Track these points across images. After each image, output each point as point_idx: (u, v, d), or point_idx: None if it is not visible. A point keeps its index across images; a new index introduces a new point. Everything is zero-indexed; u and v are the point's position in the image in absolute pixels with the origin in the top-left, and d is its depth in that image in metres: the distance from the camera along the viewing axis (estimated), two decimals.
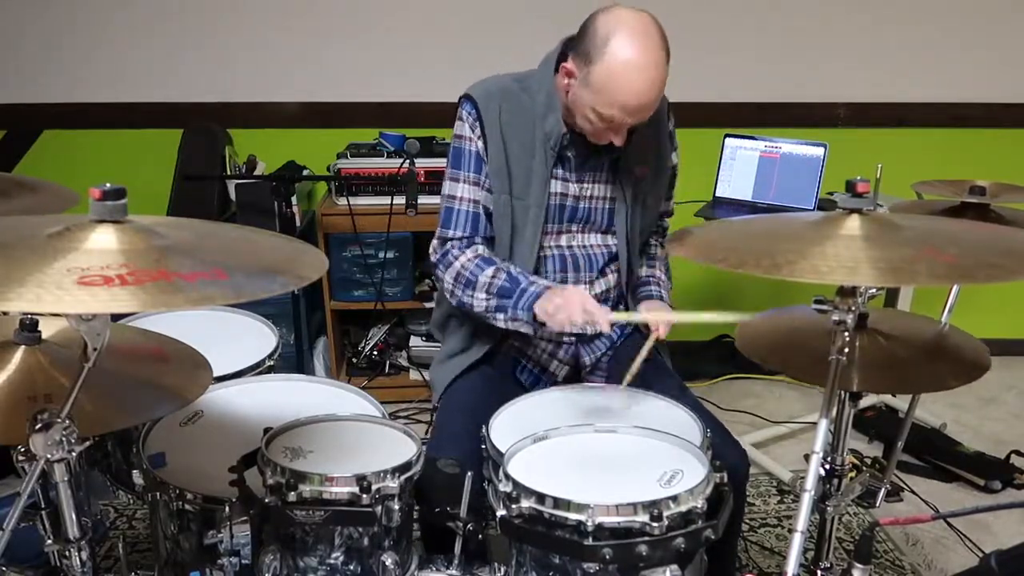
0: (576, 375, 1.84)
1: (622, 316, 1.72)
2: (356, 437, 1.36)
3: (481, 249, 1.73)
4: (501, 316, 1.67)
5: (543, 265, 1.77)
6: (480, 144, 1.71)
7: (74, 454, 1.05)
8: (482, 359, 1.78)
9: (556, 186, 1.73)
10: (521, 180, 1.71)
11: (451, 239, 1.74)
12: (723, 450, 1.45)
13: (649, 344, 1.70)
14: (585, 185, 1.75)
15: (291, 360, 2.72)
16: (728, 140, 2.76)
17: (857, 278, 1.05)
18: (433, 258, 1.77)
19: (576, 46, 1.59)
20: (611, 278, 1.82)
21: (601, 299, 1.81)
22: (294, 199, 2.82)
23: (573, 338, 1.80)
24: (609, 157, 1.73)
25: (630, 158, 1.75)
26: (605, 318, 1.55)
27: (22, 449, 1.06)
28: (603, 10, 1.56)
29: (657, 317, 1.66)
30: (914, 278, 1.07)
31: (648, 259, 1.94)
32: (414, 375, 3.10)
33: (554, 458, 1.32)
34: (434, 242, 1.78)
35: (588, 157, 1.73)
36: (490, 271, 1.68)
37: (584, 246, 1.79)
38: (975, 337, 1.45)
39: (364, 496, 1.19)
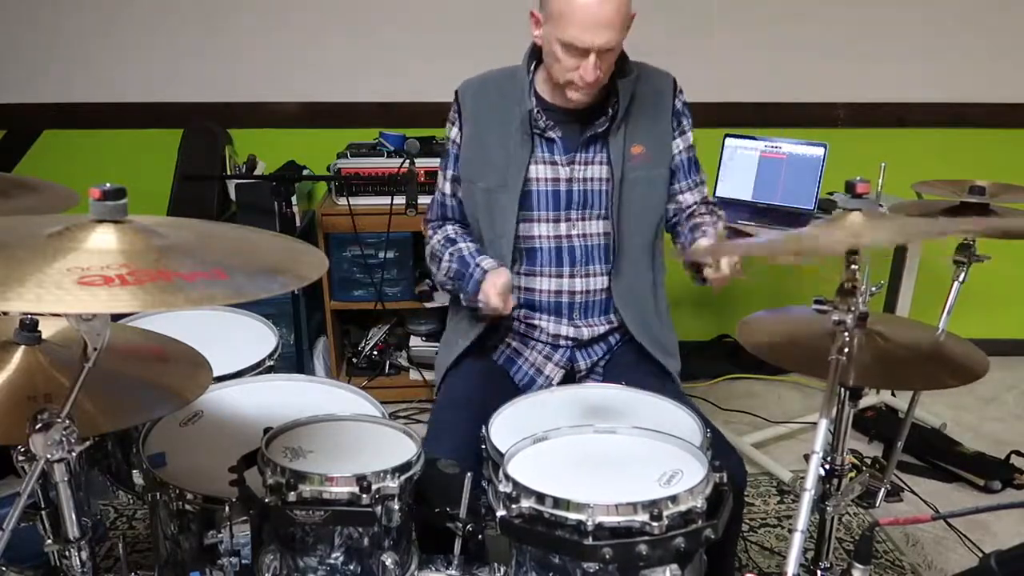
0: (571, 379, 1.84)
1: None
2: (356, 437, 1.36)
3: (450, 230, 1.84)
4: (462, 297, 1.76)
5: (536, 258, 1.77)
6: (458, 137, 1.78)
7: (74, 454, 1.05)
8: (481, 348, 1.80)
9: (543, 171, 1.73)
10: (500, 167, 1.73)
11: (428, 222, 1.87)
12: (720, 458, 1.45)
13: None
14: (576, 167, 1.74)
15: (291, 360, 2.71)
16: (728, 140, 2.76)
17: (865, 239, 1.06)
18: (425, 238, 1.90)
19: None
20: (603, 279, 1.80)
21: (591, 299, 1.80)
22: (294, 199, 2.82)
23: (570, 342, 1.81)
24: (598, 133, 1.72)
25: (623, 133, 1.74)
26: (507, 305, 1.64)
27: (22, 449, 1.06)
28: None
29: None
30: (921, 234, 1.09)
31: (688, 217, 1.84)
32: (414, 375, 3.10)
33: (554, 458, 1.31)
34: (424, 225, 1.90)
35: (576, 137, 1.72)
36: (447, 254, 1.79)
37: (584, 235, 1.77)
38: (972, 344, 1.45)
39: (364, 496, 1.18)
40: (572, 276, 1.77)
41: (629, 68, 1.72)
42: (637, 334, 1.79)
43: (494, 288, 1.63)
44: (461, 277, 1.75)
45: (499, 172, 1.73)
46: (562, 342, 1.81)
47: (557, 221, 1.76)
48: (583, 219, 1.77)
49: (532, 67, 1.73)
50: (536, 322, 1.80)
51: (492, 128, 1.72)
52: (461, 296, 1.77)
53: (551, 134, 1.71)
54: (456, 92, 1.80)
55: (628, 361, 1.81)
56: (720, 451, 1.46)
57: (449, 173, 1.84)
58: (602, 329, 1.82)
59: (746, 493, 2.44)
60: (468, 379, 1.76)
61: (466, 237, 1.82)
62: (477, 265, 1.73)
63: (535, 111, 1.69)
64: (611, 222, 1.77)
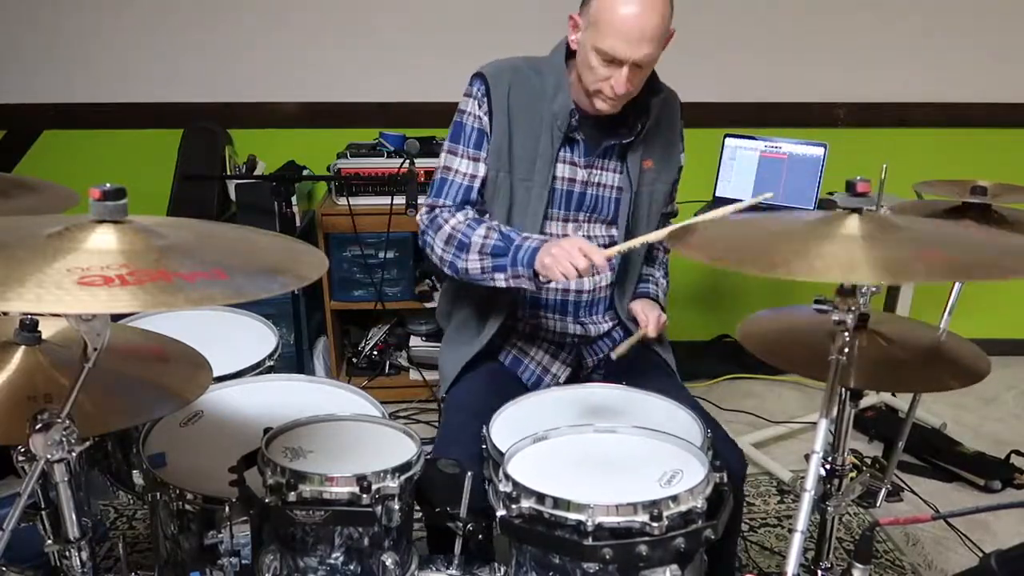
0: (578, 376, 1.84)
1: (616, 249, 1.55)
2: (356, 437, 1.36)
3: (471, 212, 1.72)
4: (501, 276, 1.64)
5: None
6: (486, 121, 1.71)
7: (74, 454, 1.05)
8: (487, 350, 1.78)
9: (564, 170, 1.73)
10: (526, 161, 1.71)
11: (440, 206, 1.73)
12: (720, 452, 1.45)
13: (633, 339, 1.71)
14: (594, 171, 1.75)
15: (291, 360, 2.71)
16: (728, 140, 2.76)
17: (855, 276, 1.05)
18: (421, 225, 1.74)
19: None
20: (607, 276, 1.81)
21: (596, 297, 1.81)
22: (294, 199, 2.82)
23: (576, 339, 1.81)
24: (619, 143, 1.74)
25: (640, 148, 1.75)
26: (601, 256, 1.49)
27: (22, 449, 1.06)
28: None
29: (645, 311, 1.67)
30: (912, 276, 1.06)
31: (648, 260, 1.94)
32: (414, 375, 3.09)
33: (554, 458, 1.31)
34: (422, 210, 1.75)
35: (599, 142, 1.73)
36: (482, 230, 1.66)
37: (588, 236, 1.78)
38: (974, 344, 1.45)
39: (364, 496, 1.18)
40: (579, 275, 1.77)
41: (659, 87, 1.73)
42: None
43: (583, 243, 1.50)
44: (503, 252, 1.62)
45: (526, 166, 1.71)
46: (568, 340, 1.81)
47: (566, 221, 1.77)
48: (589, 221, 1.78)
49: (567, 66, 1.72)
50: (542, 321, 1.80)
51: (523, 120, 1.70)
52: (502, 274, 1.63)
53: (576, 135, 1.71)
54: (482, 75, 1.70)
55: (626, 353, 1.83)
56: (719, 446, 1.47)
57: (481, 155, 1.71)
58: (607, 326, 1.85)
59: (746, 493, 2.45)
60: (476, 383, 1.75)
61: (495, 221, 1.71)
62: (526, 237, 1.62)
63: (572, 110, 1.69)
64: (617, 227, 1.79)
